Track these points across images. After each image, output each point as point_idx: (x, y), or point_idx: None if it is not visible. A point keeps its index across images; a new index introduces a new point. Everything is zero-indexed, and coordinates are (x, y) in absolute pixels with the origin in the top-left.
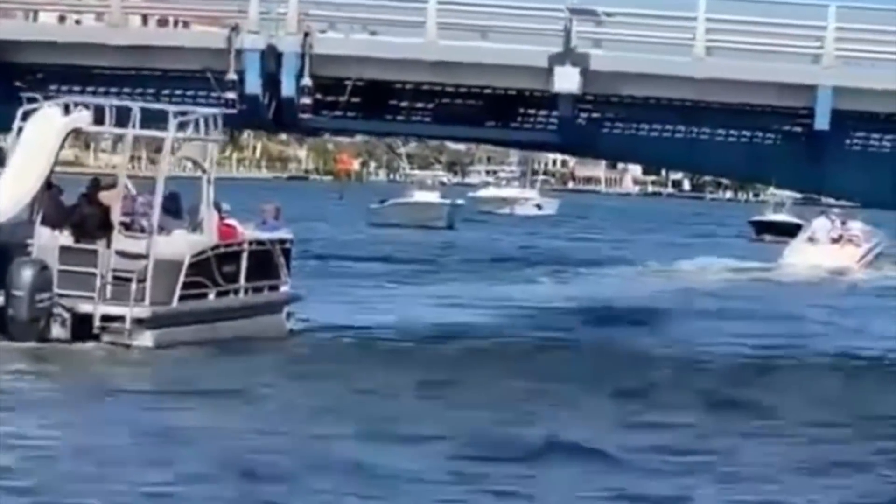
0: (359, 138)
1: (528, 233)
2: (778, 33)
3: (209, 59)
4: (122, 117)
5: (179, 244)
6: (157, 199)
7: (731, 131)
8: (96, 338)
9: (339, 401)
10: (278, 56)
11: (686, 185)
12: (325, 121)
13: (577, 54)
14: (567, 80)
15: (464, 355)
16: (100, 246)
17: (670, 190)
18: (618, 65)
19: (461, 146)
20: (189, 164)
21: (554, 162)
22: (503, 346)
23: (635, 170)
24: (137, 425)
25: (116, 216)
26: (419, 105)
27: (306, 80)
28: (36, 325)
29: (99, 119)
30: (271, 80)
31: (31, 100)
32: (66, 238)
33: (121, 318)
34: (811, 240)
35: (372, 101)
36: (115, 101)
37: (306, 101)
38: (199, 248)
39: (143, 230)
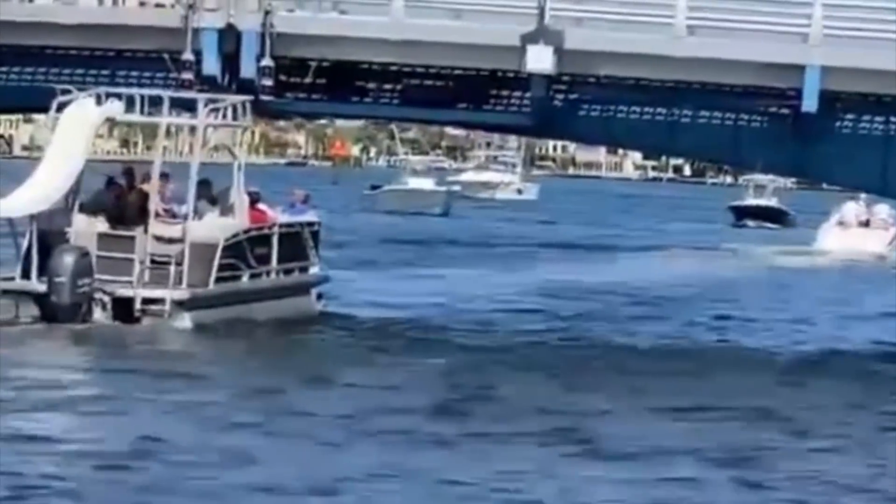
0: (359, 123)
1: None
2: (763, 10)
3: (165, 39)
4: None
5: (214, 228)
6: (192, 185)
7: (714, 113)
8: (137, 320)
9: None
10: (238, 35)
11: (687, 170)
12: (287, 103)
13: (550, 32)
14: (540, 60)
15: None
16: (136, 232)
17: (671, 175)
18: (594, 43)
19: (461, 131)
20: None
21: (555, 147)
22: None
23: (636, 155)
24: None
25: (155, 203)
26: (387, 87)
27: (267, 61)
28: (78, 309)
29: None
30: (230, 61)
31: (65, 91)
32: (102, 225)
33: (160, 301)
34: (841, 224)
35: (337, 83)
36: (146, 91)
37: (267, 82)
38: (233, 231)
39: (174, 216)
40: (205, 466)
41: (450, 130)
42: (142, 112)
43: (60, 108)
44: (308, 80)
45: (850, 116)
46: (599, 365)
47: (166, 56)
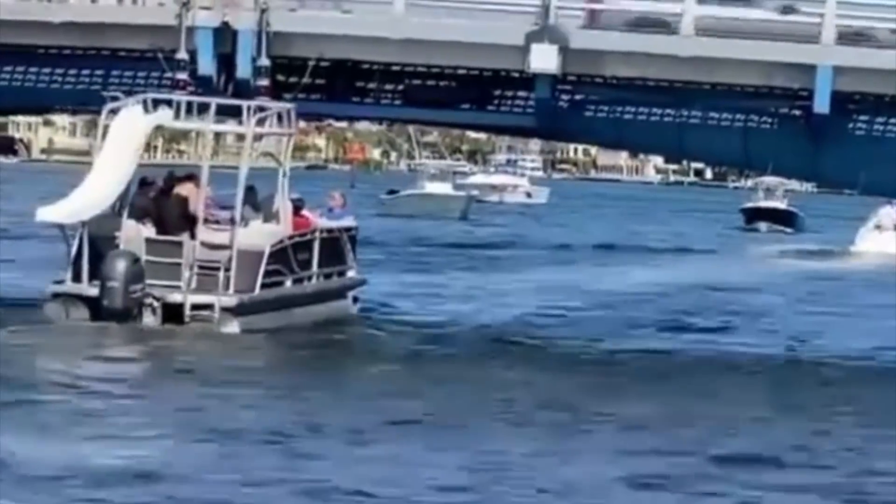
0: (380, 126)
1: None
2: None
3: (159, 38)
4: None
5: (260, 235)
6: (240, 192)
7: (724, 115)
8: (186, 326)
9: None
10: (233, 34)
11: (708, 173)
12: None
13: (555, 31)
14: (545, 59)
15: None
16: (184, 238)
17: (692, 178)
18: (600, 42)
19: (482, 135)
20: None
21: (576, 150)
22: None
23: (658, 159)
24: None
25: (199, 208)
26: (388, 87)
27: (263, 60)
28: (129, 314)
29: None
30: (226, 60)
31: (114, 98)
32: (149, 230)
33: (209, 307)
34: (878, 227)
35: (337, 83)
36: (194, 98)
37: (263, 82)
38: (277, 237)
39: (217, 222)
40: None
41: (470, 134)
42: (177, 117)
43: (111, 114)
44: (306, 80)
45: (863, 118)
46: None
47: (160, 55)
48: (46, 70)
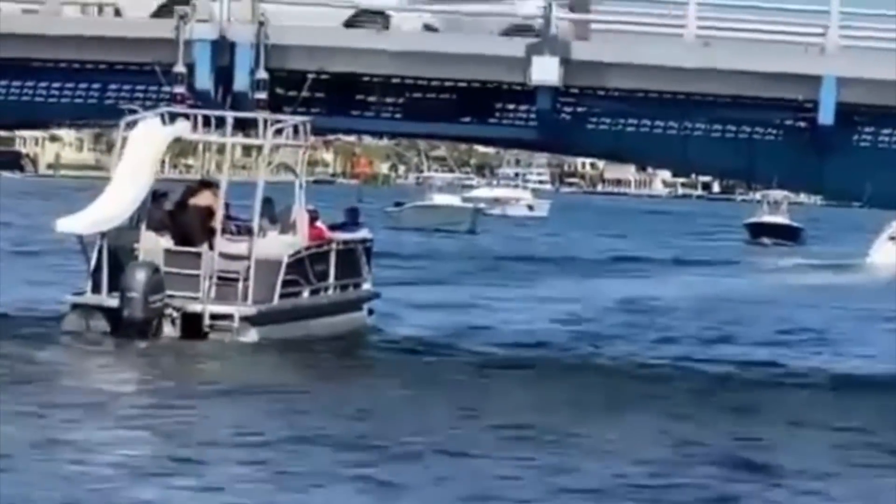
0: (389, 141)
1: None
2: (778, 20)
3: (157, 51)
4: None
5: (277, 245)
6: (257, 203)
7: (728, 126)
8: (204, 336)
9: None
10: (231, 47)
11: (716, 186)
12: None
13: (557, 43)
14: (546, 72)
15: None
16: (202, 248)
17: (700, 192)
18: (602, 54)
19: (490, 148)
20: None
21: (583, 164)
22: None
23: (665, 172)
24: None
25: (218, 220)
26: (388, 100)
27: (262, 73)
28: (149, 324)
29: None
30: (224, 73)
31: (132, 111)
32: (167, 242)
33: (228, 317)
34: (893, 239)
35: (336, 96)
36: (211, 112)
37: (261, 95)
38: (295, 248)
39: (234, 232)
40: None
41: (479, 148)
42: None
43: (128, 127)
44: (305, 93)
45: (868, 129)
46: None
47: (157, 69)
48: (43, 84)
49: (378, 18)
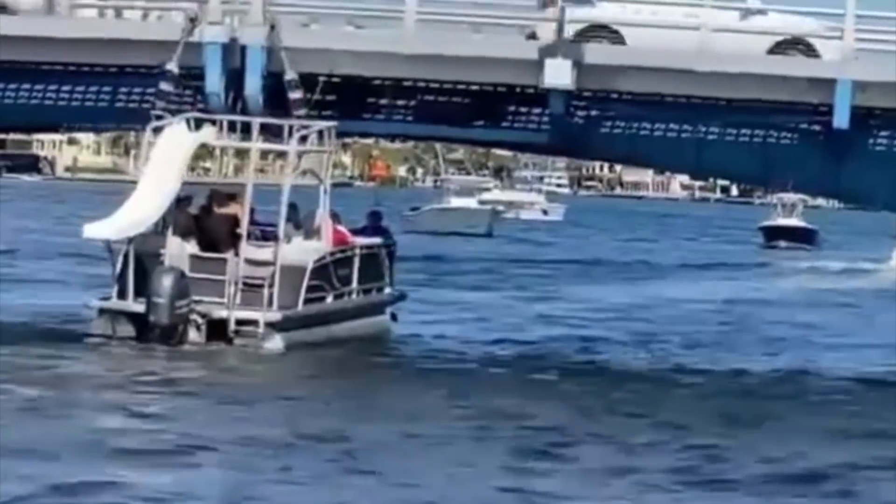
0: (407, 143)
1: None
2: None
3: (167, 54)
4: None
5: (302, 251)
6: (283, 209)
7: (742, 130)
8: (229, 341)
9: None
10: (242, 49)
11: (734, 190)
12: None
13: (570, 46)
14: (559, 75)
15: None
16: (227, 254)
17: (718, 195)
18: (615, 57)
19: (507, 152)
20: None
21: (601, 167)
22: None
23: (683, 175)
24: None
25: (244, 226)
26: (399, 103)
27: (291, 74)
28: (175, 330)
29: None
30: (235, 76)
31: (159, 117)
32: (193, 247)
33: (253, 323)
34: None
35: (347, 99)
36: (236, 117)
37: (296, 95)
38: (319, 254)
39: (257, 238)
40: None
41: (496, 151)
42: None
43: (155, 132)
44: (316, 96)
45: (883, 133)
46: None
47: (174, 70)
48: (53, 87)
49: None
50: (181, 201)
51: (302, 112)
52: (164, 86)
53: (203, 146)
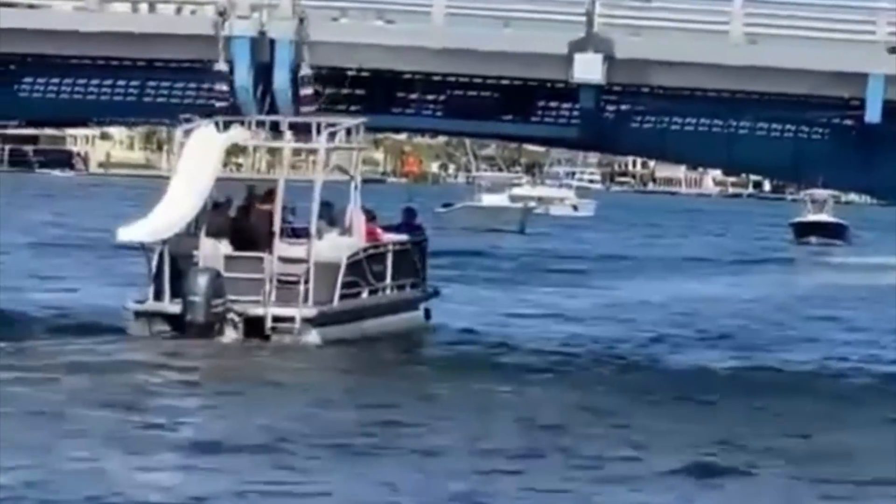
0: (439, 139)
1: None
2: (824, 17)
3: (196, 48)
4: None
5: (336, 248)
6: (315, 206)
7: (773, 125)
8: (266, 339)
9: None
10: (271, 44)
11: (767, 185)
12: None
13: (600, 40)
14: (589, 69)
15: None
16: (262, 253)
17: (751, 191)
18: (646, 51)
19: (539, 148)
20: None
21: (634, 163)
22: None
23: (716, 171)
24: None
25: (276, 223)
26: (429, 97)
27: (305, 70)
28: (211, 328)
29: None
30: (264, 71)
31: (188, 119)
32: (226, 247)
33: (290, 319)
34: None
35: (376, 94)
36: (265, 117)
37: (307, 91)
38: (353, 250)
39: (289, 235)
40: None
41: (528, 146)
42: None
43: (186, 134)
44: (345, 90)
45: None
46: None
47: (199, 65)
48: (82, 81)
49: None
50: (219, 206)
51: (312, 108)
52: (220, 86)
53: (235, 144)
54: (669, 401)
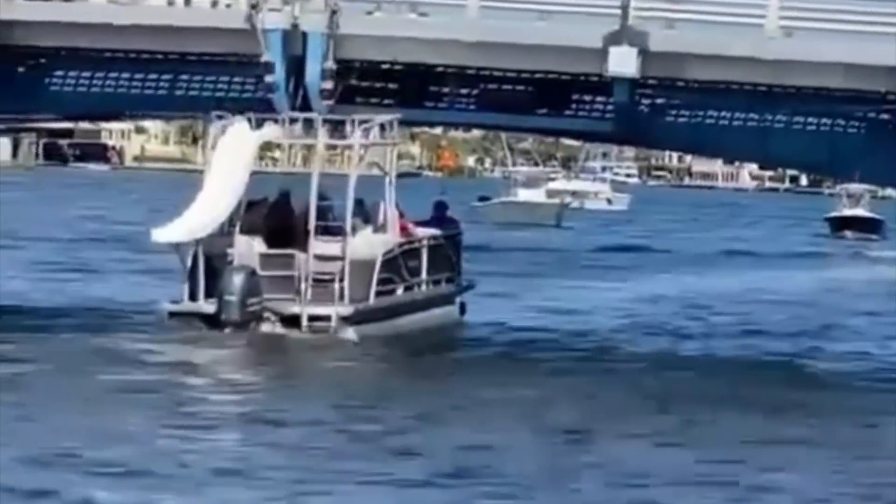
0: (475, 133)
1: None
2: (860, 10)
3: (230, 41)
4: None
5: (371, 245)
6: (349, 202)
7: (808, 119)
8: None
9: None
10: (303, 36)
11: (804, 180)
12: (355, 109)
13: (634, 33)
14: (624, 63)
15: None
16: (296, 250)
17: (787, 185)
18: (681, 45)
19: (575, 142)
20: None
21: (670, 157)
22: None
23: (753, 165)
24: None
25: (311, 221)
26: (462, 91)
27: (329, 63)
28: (247, 327)
29: None
30: (296, 63)
31: (220, 116)
32: (260, 245)
33: (326, 318)
34: None
35: (409, 87)
36: (298, 114)
37: (327, 86)
38: (388, 247)
39: (327, 232)
40: None
41: (564, 141)
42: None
43: (220, 131)
44: (378, 84)
45: None
46: None
47: (234, 59)
48: (114, 74)
49: None
50: (254, 204)
51: (329, 103)
52: (269, 78)
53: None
54: (715, 397)
